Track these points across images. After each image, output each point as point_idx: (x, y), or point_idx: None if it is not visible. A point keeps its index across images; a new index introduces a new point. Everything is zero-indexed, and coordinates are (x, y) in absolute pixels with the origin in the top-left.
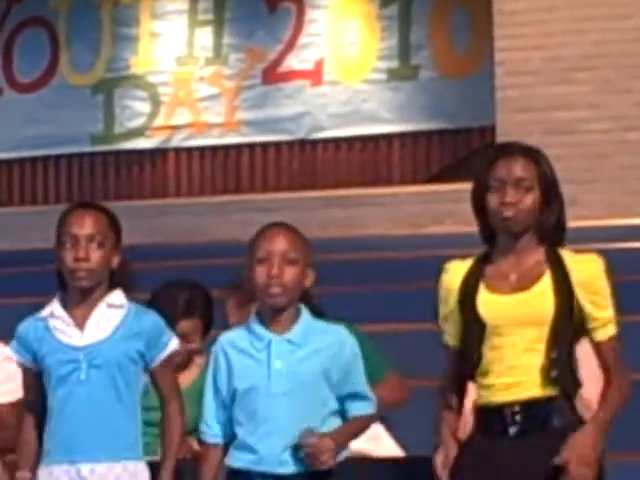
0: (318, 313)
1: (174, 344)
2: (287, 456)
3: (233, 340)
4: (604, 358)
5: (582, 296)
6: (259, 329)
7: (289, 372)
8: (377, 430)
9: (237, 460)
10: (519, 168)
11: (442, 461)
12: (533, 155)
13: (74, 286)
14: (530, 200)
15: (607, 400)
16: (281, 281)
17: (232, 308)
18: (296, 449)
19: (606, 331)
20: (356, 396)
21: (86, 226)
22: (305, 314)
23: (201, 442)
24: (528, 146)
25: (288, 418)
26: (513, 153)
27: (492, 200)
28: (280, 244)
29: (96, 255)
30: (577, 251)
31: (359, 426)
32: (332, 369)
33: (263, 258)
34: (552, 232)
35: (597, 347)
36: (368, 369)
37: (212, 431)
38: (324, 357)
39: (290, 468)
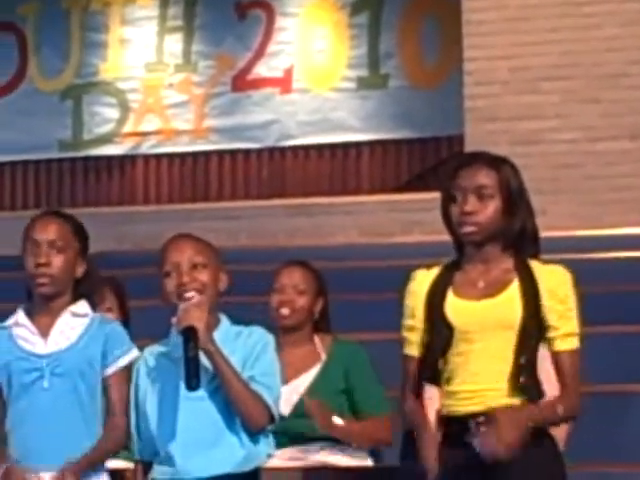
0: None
1: (132, 355)
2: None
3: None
4: (561, 369)
5: (548, 304)
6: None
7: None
8: None
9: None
10: (480, 176)
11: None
12: (495, 163)
13: (37, 293)
14: (492, 208)
15: (550, 407)
16: (194, 286)
17: None
18: None
19: (568, 343)
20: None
21: (48, 231)
22: (224, 321)
23: None
24: (491, 155)
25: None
26: (475, 162)
27: (454, 211)
28: (185, 252)
29: (57, 261)
30: (545, 262)
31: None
32: (245, 368)
33: (170, 270)
34: (520, 241)
35: (556, 357)
36: (372, 396)
37: None
38: (237, 359)
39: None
